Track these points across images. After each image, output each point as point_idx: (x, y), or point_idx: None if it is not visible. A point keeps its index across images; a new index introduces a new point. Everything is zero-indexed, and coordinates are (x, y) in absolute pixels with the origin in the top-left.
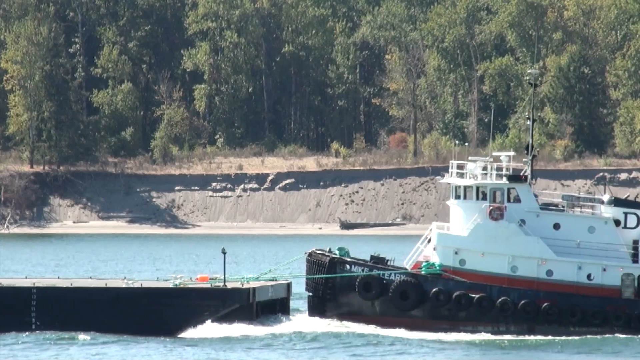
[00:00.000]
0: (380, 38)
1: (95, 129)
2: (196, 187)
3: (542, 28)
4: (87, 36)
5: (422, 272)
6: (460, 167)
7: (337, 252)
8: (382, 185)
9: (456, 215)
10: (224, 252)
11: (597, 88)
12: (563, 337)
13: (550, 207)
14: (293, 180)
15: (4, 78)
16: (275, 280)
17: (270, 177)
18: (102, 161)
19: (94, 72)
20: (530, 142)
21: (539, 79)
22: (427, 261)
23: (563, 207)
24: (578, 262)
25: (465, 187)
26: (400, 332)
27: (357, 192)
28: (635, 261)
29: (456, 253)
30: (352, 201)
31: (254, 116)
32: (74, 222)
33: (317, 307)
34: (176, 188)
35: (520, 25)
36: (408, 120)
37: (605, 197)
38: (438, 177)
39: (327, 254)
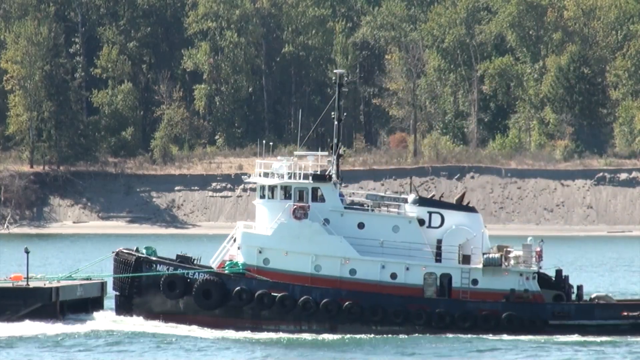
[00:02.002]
0: (380, 38)
1: (95, 129)
2: (196, 187)
3: (542, 28)
4: (87, 36)
5: (226, 271)
6: (266, 166)
7: (144, 251)
8: (382, 185)
9: (261, 215)
10: (27, 252)
11: (597, 88)
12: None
13: (355, 207)
14: None
15: (4, 78)
16: (90, 279)
17: None
18: (102, 161)
19: (93, 72)
20: (335, 141)
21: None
22: (231, 260)
23: (369, 206)
24: (381, 261)
25: (270, 187)
26: (204, 331)
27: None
28: (438, 260)
29: (260, 252)
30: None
31: (254, 116)
32: (74, 222)
33: (124, 306)
34: (176, 188)
35: (520, 25)
36: (408, 120)
37: (410, 197)
38: (244, 176)
39: (133, 253)
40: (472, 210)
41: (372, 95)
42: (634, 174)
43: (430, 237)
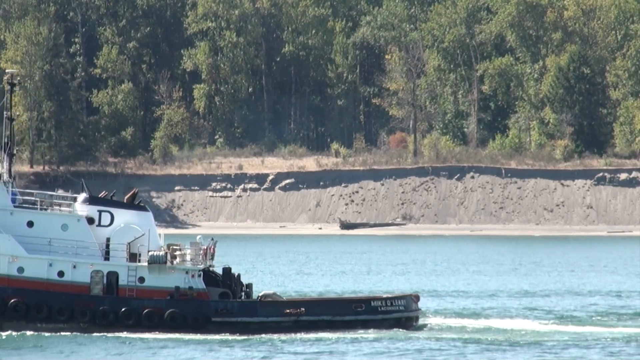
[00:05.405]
0: (380, 38)
1: (95, 129)
2: (196, 187)
3: (542, 28)
4: (87, 36)
5: None
6: None
7: None
8: (382, 185)
9: None
10: None
11: (597, 88)
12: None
13: (25, 206)
14: (293, 180)
15: (4, 78)
16: None
17: (270, 177)
18: (102, 161)
19: (93, 72)
20: (6, 140)
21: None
22: None
23: (40, 205)
24: (49, 259)
25: None
26: None
27: (357, 192)
28: (106, 258)
29: None
30: (352, 201)
31: (254, 116)
32: None
33: None
34: (176, 188)
35: (520, 25)
36: (408, 120)
37: (80, 196)
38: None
39: None
40: (142, 209)
41: (372, 95)
42: (634, 174)
43: (100, 236)
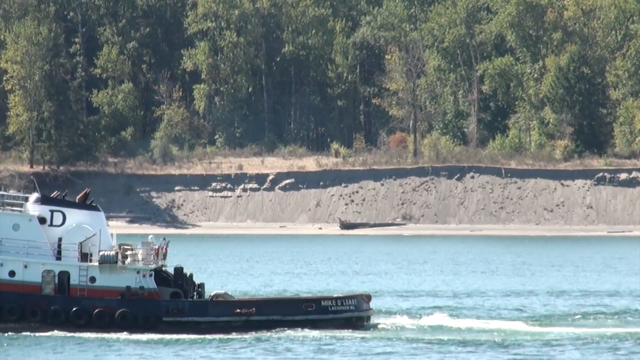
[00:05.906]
0: (380, 38)
1: (95, 129)
2: (196, 187)
3: (542, 28)
4: (87, 36)
5: None
6: None
7: None
8: (382, 185)
9: None
10: None
11: (597, 88)
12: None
13: None
14: (293, 180)
15: (4, 78)
16: None
17: (270, 177)
18: (102, 161)
19: (93, 72)
20: None
21: None
22: None
23: None
24: (0, 259)
25: None
26: None
27: (357, 192)
28: (58, 258)
29: None
30: (352, 201)
31: (254, 116)
32: None
33: None
34: (176, 188)
35: (520, 25)
36: (408, 120)
37: (33, 196)
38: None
39: None
40: (94, 208)
41: (372, 95)
42: (634, 174)
43: (52, 235)
